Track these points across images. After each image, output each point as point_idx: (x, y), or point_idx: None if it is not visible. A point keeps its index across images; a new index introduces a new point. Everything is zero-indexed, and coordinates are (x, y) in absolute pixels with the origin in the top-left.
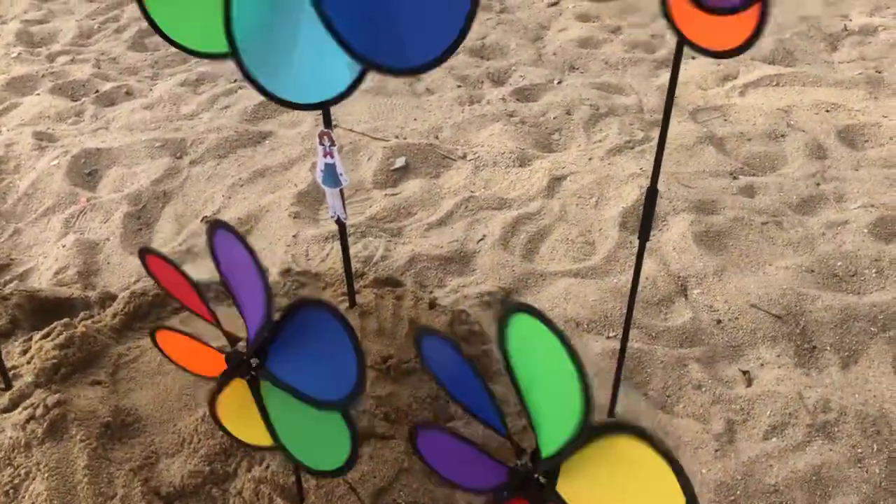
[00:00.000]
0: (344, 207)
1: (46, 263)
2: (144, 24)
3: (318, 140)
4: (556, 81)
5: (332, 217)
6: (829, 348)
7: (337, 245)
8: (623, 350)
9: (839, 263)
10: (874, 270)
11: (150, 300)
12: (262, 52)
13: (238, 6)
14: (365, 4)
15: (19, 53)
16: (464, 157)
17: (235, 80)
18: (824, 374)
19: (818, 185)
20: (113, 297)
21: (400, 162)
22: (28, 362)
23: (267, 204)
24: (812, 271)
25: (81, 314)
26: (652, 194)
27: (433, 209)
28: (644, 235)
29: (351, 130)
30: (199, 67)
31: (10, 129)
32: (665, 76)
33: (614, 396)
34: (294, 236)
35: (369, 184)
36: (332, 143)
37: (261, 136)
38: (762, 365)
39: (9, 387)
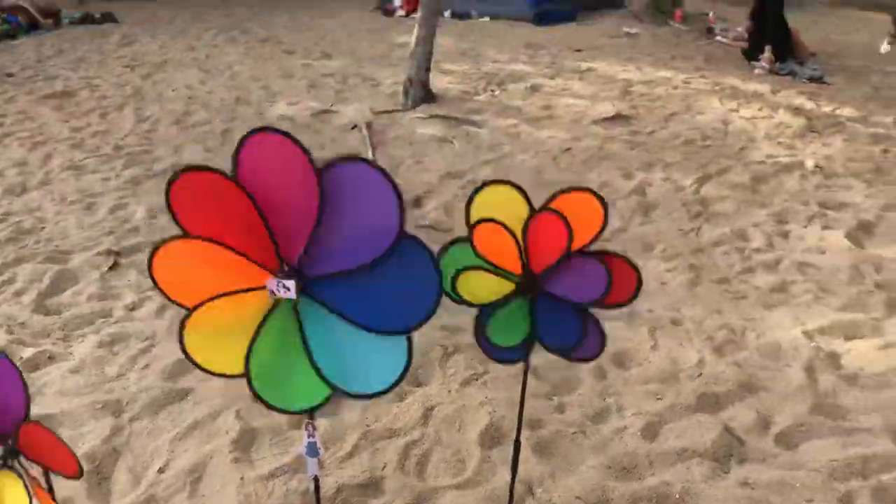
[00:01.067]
0: (319, 468)
1: None
2: (42, 285)
3: (304, 427)
4: None
5: (310, 477)
6: None
7: (277, 482)
8: None
9: (625, 459)
10: (647, 462)
11: None
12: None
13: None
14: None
15: None
16: None
17: (146, 339)
18: None
19: (604, 399)
20: None
21: None
22: None
23: (209, 451)
24: (609, 468)
25: None
26: (517, 444)
27: (341, 443)
28: (513, 475)
29: None
30: (106, 329)
31: None
32: None
33: None
34: (241, 479)
35: (286, 426)
36: (315, 429)
37: (184, 393)
38: None
39: None
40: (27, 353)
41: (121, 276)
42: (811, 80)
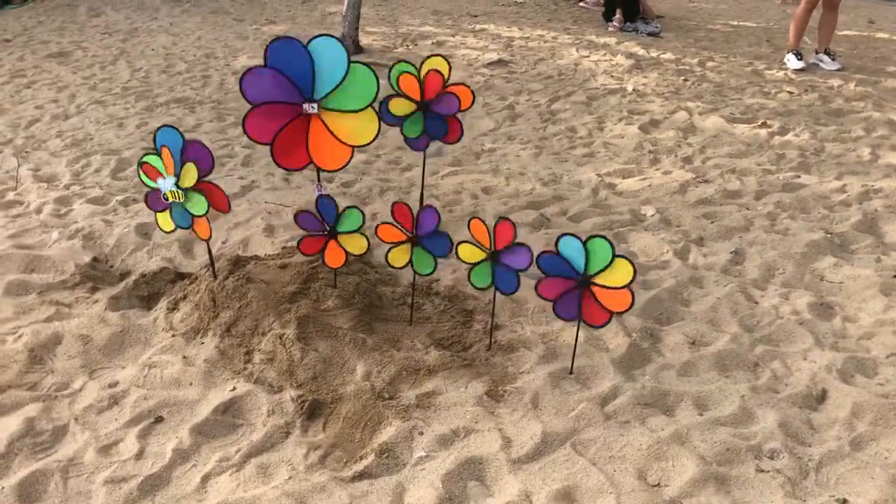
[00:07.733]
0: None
1: None
2: (110, 166)
3: (315, 186)
4: None
5: (318, 192)
6: None
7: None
8: None
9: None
10: None
11: None
12: None
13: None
14: None
15: None
16: None
17: None
18: None
19: (475, 207)
20: None
21: None
22: None
23: (249, 235)
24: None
25: None
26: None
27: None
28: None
29: None
30: None
31: None
32: None
33: None
34: (272, 243)
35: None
36: (321, 186)
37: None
38: None
39: None
40: (119, 197)
41: None
42: (649, 34)
